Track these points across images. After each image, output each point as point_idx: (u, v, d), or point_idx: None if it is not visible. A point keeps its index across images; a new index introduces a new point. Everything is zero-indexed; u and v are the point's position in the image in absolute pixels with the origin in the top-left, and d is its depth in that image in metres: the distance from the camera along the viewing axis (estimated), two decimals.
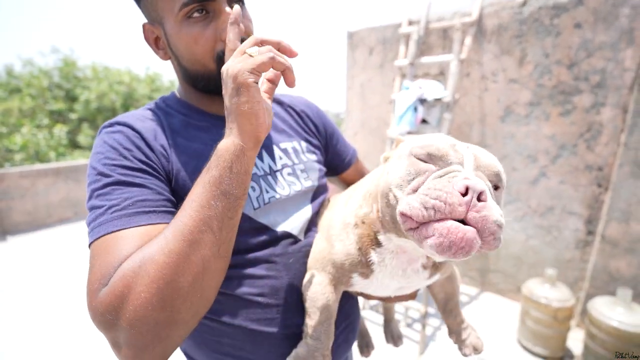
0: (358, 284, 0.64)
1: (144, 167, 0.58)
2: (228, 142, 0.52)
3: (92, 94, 9.36)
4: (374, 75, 3.37)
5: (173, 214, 0.56)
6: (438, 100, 2.59)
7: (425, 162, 0.46)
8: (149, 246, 0.48)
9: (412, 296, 0.73)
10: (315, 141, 0.86)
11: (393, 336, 0.85)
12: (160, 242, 0.48)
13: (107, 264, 0.48)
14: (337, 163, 0.93)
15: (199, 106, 0.71)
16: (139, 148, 0.60)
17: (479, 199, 0.41)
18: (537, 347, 2.18)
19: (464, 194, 0.41)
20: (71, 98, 9.96)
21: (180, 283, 0.47)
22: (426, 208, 0.41)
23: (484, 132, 2.79)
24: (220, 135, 0.58)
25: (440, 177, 0.44)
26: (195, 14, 0.60)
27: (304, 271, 0.70)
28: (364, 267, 0.61)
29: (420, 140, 0.50)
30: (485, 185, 0.43)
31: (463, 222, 0.41)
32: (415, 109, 2.69)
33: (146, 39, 0.68)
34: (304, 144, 0.81)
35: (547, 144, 2.49)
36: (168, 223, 0.54)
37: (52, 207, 5.07)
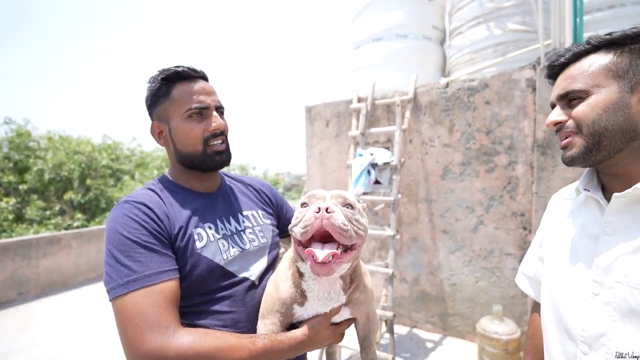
0: (298, 312, 0.85)
1: (158, 235, 0.80)
2: (301, 344, 0.82)
3: (46, 164, 9.09)
4: (331, 144, 3.82)
5: (177, 269, 0.80)
6: (387, 164, 3.01)
7: (306, 204, 0.76)
8: (217, 339, 0.73)
9: (342, 334, 0.94)
10: (269, 210, 1.14)
11: None
12: (223, 346, 0.73)
13: (154, 321, 0.71)
14: (287, 228, 1.20)
15: (185, 185, 0.97)
16: (153, 220, 0.81)
17: (328, 211, 0.69)
18: None
19: (317, 212, 0.69)
20: (21, 169, 9.56)
21: None
22: (302, 230, 0.70)
23: (429, 188, 3.23)
24: (199, 205, 0.91)
25: (308, 210, 0.73)
26: (194, 116, 0.91)
27: (258, 308, 0.90)
28: (301, 296, 0.84)
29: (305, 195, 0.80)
30: (331, 204, 0.71)
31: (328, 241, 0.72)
32: (369, 173, 3.08)
33: (152, 132, 0.96)
34: (260, 211, 1.09)
35: (480, 197, 2.95)
36: (178, 277, 0.79)
37: None
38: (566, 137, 0.72)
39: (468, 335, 3.04)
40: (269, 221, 1.08)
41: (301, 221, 0.72)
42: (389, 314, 2.67)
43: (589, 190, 0.75)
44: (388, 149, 3.36)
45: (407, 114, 3.13)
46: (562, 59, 0.73)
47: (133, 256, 0.75)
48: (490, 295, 2.92)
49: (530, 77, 2.65)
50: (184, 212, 0.89)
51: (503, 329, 2.39)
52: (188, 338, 0.71)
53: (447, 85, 3.08)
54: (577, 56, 0.71)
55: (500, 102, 2.79)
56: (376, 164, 3.06)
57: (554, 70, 0.76)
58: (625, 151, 0.68)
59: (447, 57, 3.78)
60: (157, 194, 0.89)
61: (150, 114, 0.96)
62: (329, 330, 0.88)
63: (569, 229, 0.80)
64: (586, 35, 3.06)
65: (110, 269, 0.75)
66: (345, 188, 3.67)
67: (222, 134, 0.95)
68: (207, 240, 0.87)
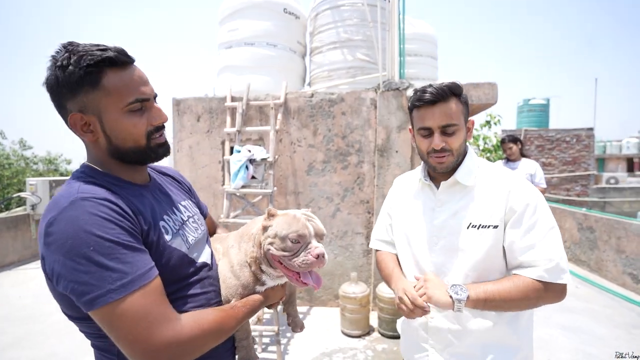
0: (258, 289, 1.05)
1: (133, 232, 0.76)
2: (264, 301, 1.00)
3: None
4: (202, 139, 3.80)
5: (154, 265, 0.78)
6: (264, 160, 3.32)
7: (297, 241, 0.90)
8: (212, 315, 0.83)
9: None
10: (193, 199, 1.20)
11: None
12: (217, 323, 0.82)
13: (160, 316, 0.72)
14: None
15: (124, 178, 0.88)
16: (124, 217, 0.75)
17: (323, 257, 0.89)
18: (353, 330, 3.07)
19: (317, 258, 0.88)
20: None
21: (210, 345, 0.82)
22: (302, 267, 0.90)
23: (296, 182, 3.72)
24: (149, 197, 0.88)
25: (305, 251, 0.91)
26: (135, 109, 0.83)
27: (219, 285, 0.99)
28: (258, 282, 1.01)
29: (288, 226, 0.90)
30: (323, 249, 0.90)
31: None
32: (247, 168, 3.31)
33: (72, 124, 0.81)
34: (189, 201, 1.10)
35: (337, 189, 3.65)
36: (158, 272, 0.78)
37: None
38: (443, 156, 1.08)
39: (329, 303, 3.70)
40: (197, 209, 1.12)
41: (297, 256, 0.90)
42: None
43: (427, 180, 1.18)
44: (260, 146, 3.66)
45: (279, 116, 3.52)
46: (433, 98, 1.04)
47: (119, 258, 0.70)
48: (346, 267, 3.66)
49: (373, 98, 3.49)
50: (142, 206, 0.84)
51: (358, 289, 3.11)
52: (191, 321, 0.76)
53: (312, 95, 3.64)
54: (443, 97, 1.04)
55: (353, 114, 3.54)
56: (254, 160, 3.32)
57: (422, 103, 1.07)
58: None
59: (308, 70, 4.38)
60: (107, 188, 0.79)
61: (63, 103, 0.81)
62: (278, 290, 1.09)
63: (415, 205, 1.20)
64: (408, 71, 4.22)
65: (89, 276, 0.68)
66: (216, 182, 3.76)
67: (164, 126, 0.91)
68: (172, 232, 0.88)
